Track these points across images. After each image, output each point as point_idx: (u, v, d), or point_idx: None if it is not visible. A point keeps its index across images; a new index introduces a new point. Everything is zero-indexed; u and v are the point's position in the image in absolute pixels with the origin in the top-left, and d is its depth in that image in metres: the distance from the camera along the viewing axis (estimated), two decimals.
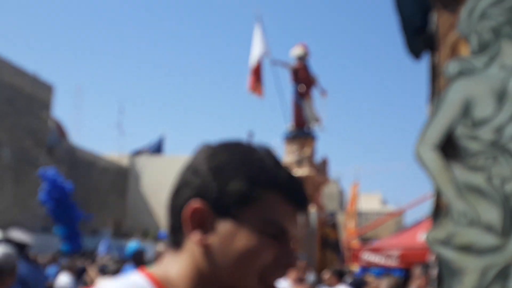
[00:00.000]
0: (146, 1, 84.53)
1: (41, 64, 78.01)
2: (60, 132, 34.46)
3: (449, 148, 2.01)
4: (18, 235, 4.64)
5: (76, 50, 78.74)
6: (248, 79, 13.44)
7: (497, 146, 1.94)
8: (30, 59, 77.82)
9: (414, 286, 4.88)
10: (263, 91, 13.40)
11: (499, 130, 1.94)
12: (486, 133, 1.95)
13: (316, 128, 13.87)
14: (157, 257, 6.04)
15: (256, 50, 13.42)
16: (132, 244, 6.39)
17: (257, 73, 13.34)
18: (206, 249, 0.89)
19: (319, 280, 7.25)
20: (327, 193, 33.16)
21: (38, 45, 77.47)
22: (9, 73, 26.36)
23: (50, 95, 29.68)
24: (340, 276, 6.12)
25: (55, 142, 30.87)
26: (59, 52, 77.26)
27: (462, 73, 2.00)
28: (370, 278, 9.37)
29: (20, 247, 4.36)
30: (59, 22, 79.73)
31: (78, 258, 11.40)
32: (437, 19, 2.23)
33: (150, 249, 11.85)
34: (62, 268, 7.67)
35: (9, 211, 25.41)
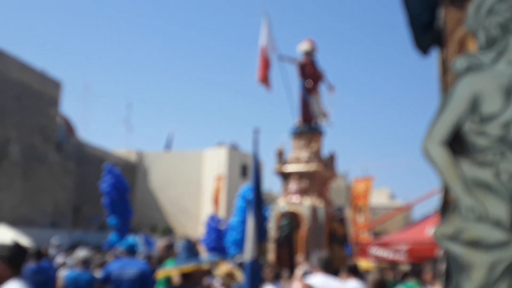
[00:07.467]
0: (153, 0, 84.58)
1: (49, 60, 78.40)
2: (68, 128, 34.64)
3: (456, 144, 2.01)
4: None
5: (84, 47, 79.03)
6: (257, 70, 13.34)
7: (505, 142, 1.94)
8: (38, 56, 78.24)
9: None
10: (271, 85, 13.34)
11: (507, 125, 1.94)
12: (494, 129, 1.95)
13: (323, 124, 13.86)
14: (160, 251, 6.31)
15: (264, 43, 13.37)
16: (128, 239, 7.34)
17: (265, 65, 13.27)
18: None
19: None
20: (335, 188, 33.12)
21: (46, 42, 77.82)
22: (18, 69, 26.46)
23: (58, 91, 29.77)
24: (353, 272, 6.06)
25: (64, 138, 31.02)
26: (67, 49, 77.60)
27: (469, 69, 2.00)
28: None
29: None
30: (67, 19, 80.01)
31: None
32: (445, 15, 2.23)
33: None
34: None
35: (18, 207, 25.58)
